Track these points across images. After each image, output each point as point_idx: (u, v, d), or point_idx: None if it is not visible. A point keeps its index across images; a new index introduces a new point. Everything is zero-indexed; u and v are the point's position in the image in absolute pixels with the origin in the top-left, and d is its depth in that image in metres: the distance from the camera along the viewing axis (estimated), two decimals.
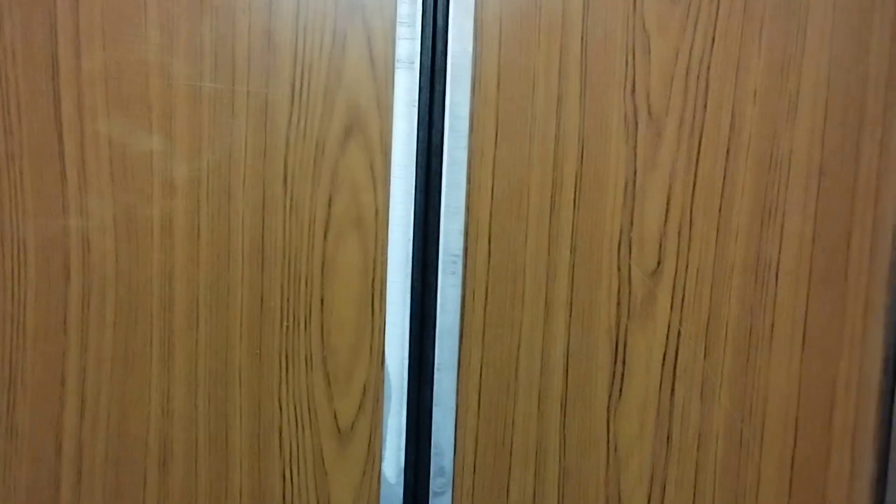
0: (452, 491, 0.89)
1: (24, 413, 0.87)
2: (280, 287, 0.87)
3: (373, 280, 0.87)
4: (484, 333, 0.88)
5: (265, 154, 0.85)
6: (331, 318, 0.87)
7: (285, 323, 0.87)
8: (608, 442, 0.89)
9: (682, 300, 0.88)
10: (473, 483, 0.90)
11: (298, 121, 0.85)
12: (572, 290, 0.87)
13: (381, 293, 0.87)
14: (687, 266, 0.87)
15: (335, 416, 0.89)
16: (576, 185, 0.86)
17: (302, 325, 0.87)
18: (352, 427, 0.89)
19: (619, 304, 0.88)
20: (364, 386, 0.88)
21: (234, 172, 0.85)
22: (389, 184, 0.86)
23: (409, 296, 0.87)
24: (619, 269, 0.87)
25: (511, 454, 0.90)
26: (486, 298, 0.88)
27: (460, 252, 0.87)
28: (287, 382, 0.88)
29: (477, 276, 0.87)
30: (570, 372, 0.89)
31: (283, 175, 0.85)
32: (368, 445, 0.89)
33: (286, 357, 0.88)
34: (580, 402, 0.89)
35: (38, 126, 0.83)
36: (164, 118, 0.84)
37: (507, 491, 0.90)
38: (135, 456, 0.88)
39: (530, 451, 0.90)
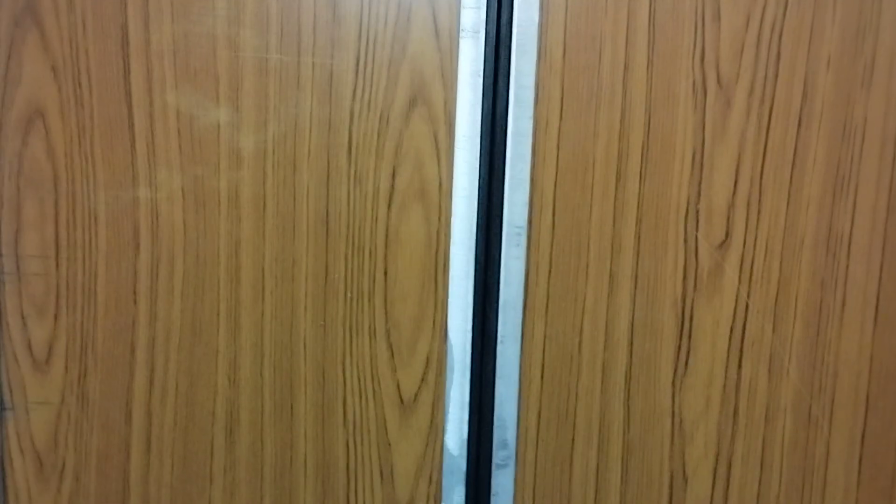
0: (515, 463, 0.89)
1: (95, 381, 0.89)
2: (344, 258, 0.87)
3: (436, 252, 0.87)
4: (547, 306, 0.87)
5: (330, 125, 0.85)
6: (394, 290, 0.88)
7: (349, 294, 0.88)
8: (673, 416, 0.88)
9: (751, 273, 0.86)
10: (536, 456, 0.89)
11: (363, 92, 0.85)
12: (638, 262, 0.86)
13: (445, 265, 0.87)
14: (756, 238, 0.86)
15: (398, 388, 0.89)
16: (642, 155, 0.85)
17: (366, 297, 0.88)
18: (415, 398, 0.89)
19: (685, 276, 0.87)
20: (427, 358, 0.88)
21: (300, 144, 0.85)
22: (453, 155, 0.85)
23: (472, 268, 0.87)
24: (685, 241, 0.86)
25: (574, 427, 0.89)
26: (550, 271, 0.87)
27: (524, 224, 0.86)
28: (351, 353, 0.88)
29: (541, 249, 0.86)
30: (634, 345, 0.88)
31: (347, 146, 0.86)
32: (431, 417, 0.89)
33: (350, 328, 0.88)
34: (645, 376, 0.88)
35: (109, 98, 0.85)
36: (231, 89, 0.85)
37: (571, 464, 0.90)
38: (202, 424, 0.90)
39: (594, 424, 0.89)
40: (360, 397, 0.89)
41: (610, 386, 0.88)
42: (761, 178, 0.85)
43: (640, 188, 0.85)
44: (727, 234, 0.86)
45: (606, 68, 0.84)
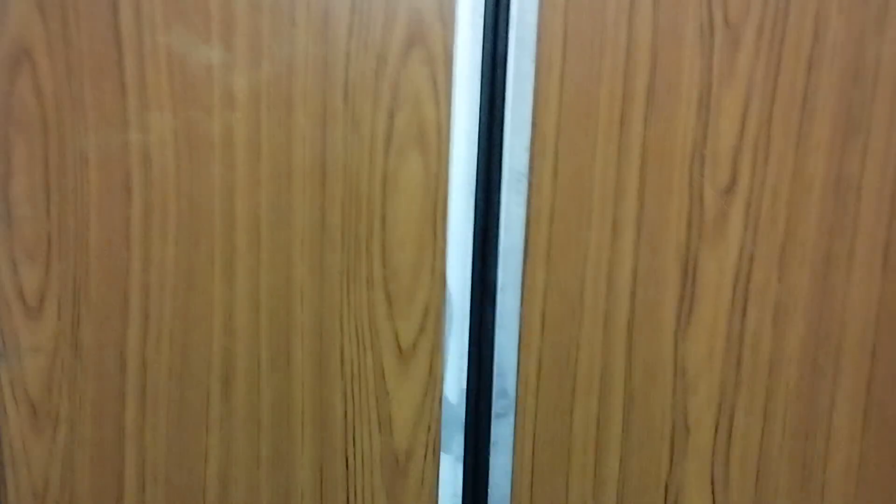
0: (515, 413, 0.88)
1: (88, 329, 0.88)
2: (341, 204, 0.85)
3: (435, 198, 0.85)
4: (549, 253, 0.86)
5: (325, 66, 0.83)
6: (392, 237, 0.86)
7: (346, 242, 0.86)
8: (676, 366, 0.87)
9: (757, 220, 0.84)
10: (536, 405, 0.88)
11: (359, 32, 0.82)
12: (641, 209, 0.84)
13: (444, 212, 0.85)
14: (763, 183, 0.83)
15: (396, 336, 0.88)
16: (647, 98, 0.83)
17: (363, 244, 0.86)
18: (413, 347, 0.88)
19: (689, 223, 0.85)
20: (426, 306, 0.87)
21: (295, 85, 0.83)
22: (452, 98, 0.83)
23: (472, 214, 0.85)
24: (690, 186, 0.84)
25: (575, 377, 0.88)
26: (552, 217, 0.85)
27: (525, 169, 0.84)
28: (348, 301, 0.87)
29: (542, 195, 0.84)
30: (637, 294, 0.86)
31: (343, 88, 0.83)
32: (430, 366, 0.88)
33: (347, 276, 0.86)
34: (647, 326, 0.87)
35: (97, 37, 0.82)
36: (224, 28, 0.82)
37: (571, 414, 0.88)
38: (198, 372, 0.88)
39: (595, 374, 0.88)
40: (358, 346, 0.88)
41: (612, 335, 0.87)
42: (769, 121, 0.83)
43: (644, 132, 0.83)
44: (733, 179, 0.84)
45: (611, 7, 0.81)
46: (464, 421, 0.89)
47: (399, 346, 0.88)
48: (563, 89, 0.82)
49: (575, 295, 0.86)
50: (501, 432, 0.88)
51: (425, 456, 0.89)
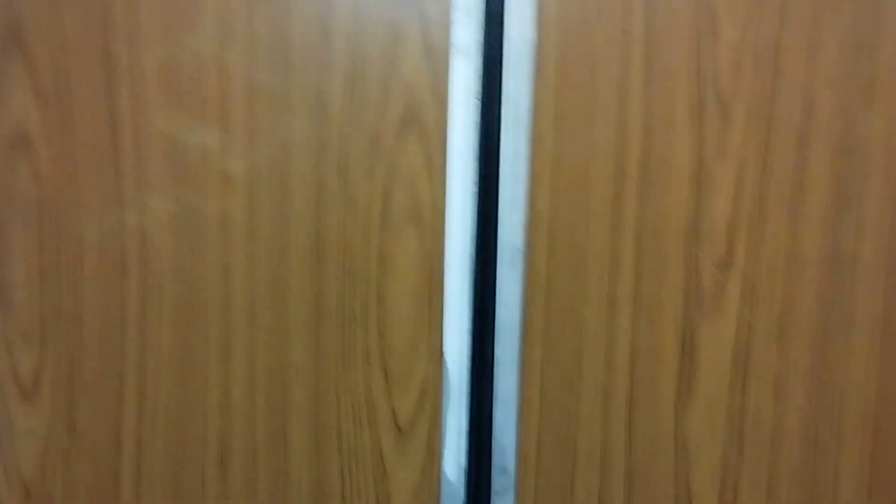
0: (515, 491, 0.87)
1: (83, 411, 0.87)
2: (337, 283, 0.85)
3: (430, 274, 0.85)
4: (546, 329, 0.85)
5: (321, 148, 0.83)
6: (388, 314, 0.86)
7: (342, 319, 0.86)
8: (677, 440, 0.86)
9: (755, 293, 0.84)
10: (536, 482, 0.87)
11: (353, 113, 0.83)
12: (638, 283, 0.84)
13: (440, 288, 0.85)
14: (759, 258, 0.84)
15: (394, 414, 0.87)
16: (641, 174, 0.83)
17: (359, 322, 0.86)
18: (411, 425, 0.87)
19: (686, 297, 0.84)
20: (423, 383, 0.86)
21: (290, 167, 0.84)
22: (447, 176, 0.84)
23: (468, 291, 0.85)
24: (686, 261, 0.84)
25: (575, 453, 0.87)
26: (548, 293, 0.85)
27: (521, 246, 0.84)
28: (345, 379, 0.86)
29: (538, 270, 0.84)
30: (635, 368, 0.86)
31: (338, 169, 0.84)
32: (428, 444, 0.87)
33: (344, 354, 0.86)
34: (647, 400, 0.86)
35: (93, 122, 0.83)
36: (220, 112, 0.83)
37: (572, 490, 0.87)
38: (194, 453, 0.88)
39: (595, 449, 0.87)
40: (355, 424, 0.87)
41: (611, 410, 0.86)
42: (764, 196, 0.83)
43: (639, 207, 0.83)
44: (729, 254, 0.84)
45: (602, 86, 0.82)
46: (463, 499, 0.87)
47: (397, 424, 0.87)
48: (557, 167, 0.83)
49: (573, 370, 0.86)
50: None
51: None
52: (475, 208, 0.84)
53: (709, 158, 0.83)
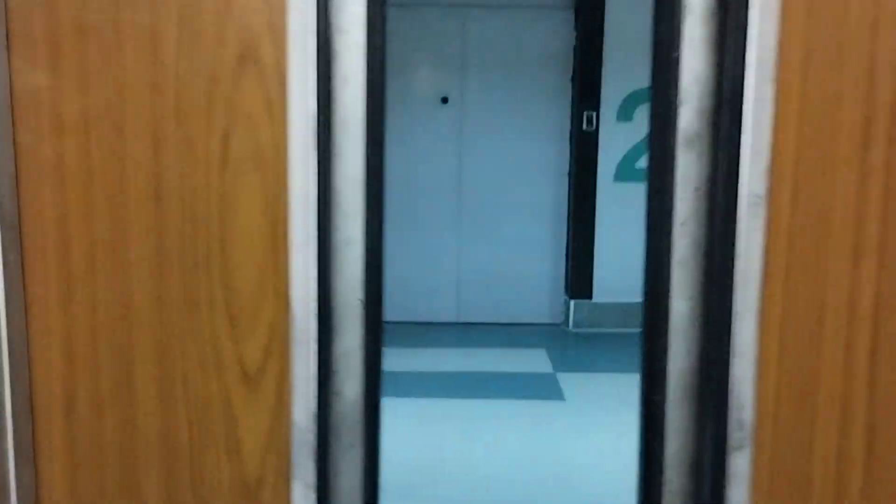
0: (752, 444, 0.84)
1: None
2: (178, 228, 0.83)
3: (274, 218, 0.83)
4: (787, 280, 0.81)
5: (156, 88, 0.81)
6: (232, 259, 0.84)
7: (186, 265, 0.84)
8: None
9: None
10: (773, 437, 0.84)
11: (188, 51, 0.81)
12: (884, 231, 0.80)
13: (284, 232, 0.83)
14: None
15: (241, 360, 0.85)
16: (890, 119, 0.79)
17: (202, 267, 0.84)
18: (259, 371, 0.86)
19: None
20: (270, 328, 0.85)
21: (125, 108, 0.81)
22: (287, 116, 0.81)
23: (313, 234, 0.83)
24: None
25: (815, 408, 0.83)
26: (789, 242, 0.82)
27: (763, 193, 0.80)
28: (191, 326, 0.85)
29: (780, 219, 0.81)
30: (879, 320, 0.82)
31: (174, 109, 0.81)
32: (277, 389, 0.86)
33: (188, 300, 0.84)
34: (892, 353, 0.82)
35: None
36: (51, 53, 0.80)
37: (810, 446, 0.84)
38: (39, 402, 0.86)
39: (835, 405, 0.83)
40: (202, 371, 0.86)
41: (853, 364, 0.82)
42: None
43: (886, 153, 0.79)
44: None
45: (853, 20, 0.78)
46: (314, 445, 0.86)
47: (244, 370, 0.86)
48: (802, 113, 0.79)
49: (814, 322, 0.82)
50: (738, 465, 0.84)
51: (275, 483, 0.87)
52: (316, 148, 0.82)
53: None
